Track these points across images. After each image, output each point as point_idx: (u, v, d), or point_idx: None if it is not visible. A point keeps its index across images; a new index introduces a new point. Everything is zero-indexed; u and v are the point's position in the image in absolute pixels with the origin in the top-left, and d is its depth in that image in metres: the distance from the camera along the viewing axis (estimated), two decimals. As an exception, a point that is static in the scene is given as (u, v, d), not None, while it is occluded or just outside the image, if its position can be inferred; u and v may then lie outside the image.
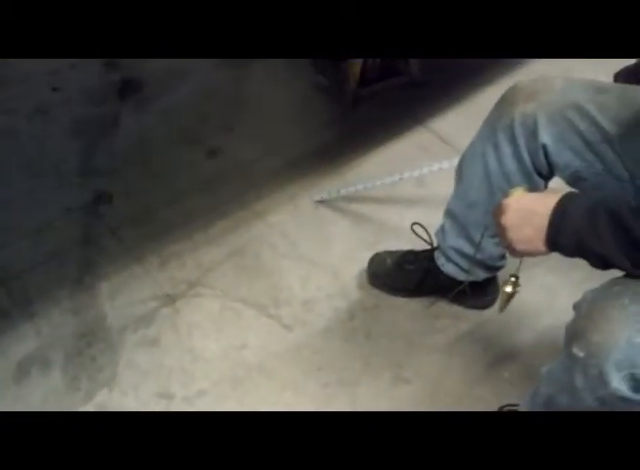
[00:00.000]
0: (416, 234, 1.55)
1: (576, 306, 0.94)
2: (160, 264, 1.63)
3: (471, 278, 1.42)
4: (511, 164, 1.21)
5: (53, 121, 2.00)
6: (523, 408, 1.17)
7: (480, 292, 1.50)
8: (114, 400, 1.37)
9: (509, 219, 0.95)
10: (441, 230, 1.44)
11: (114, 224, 1.71)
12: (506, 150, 1.20)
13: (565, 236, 0.89)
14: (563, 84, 1.15)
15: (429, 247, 1.53)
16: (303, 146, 1.95)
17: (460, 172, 1.33)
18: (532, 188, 1.16)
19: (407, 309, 1.54)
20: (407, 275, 1.53)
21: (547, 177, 1.22)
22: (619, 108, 1.09)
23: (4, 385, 1.39)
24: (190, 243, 1.68)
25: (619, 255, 0.86)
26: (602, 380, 0.87)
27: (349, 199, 1.78)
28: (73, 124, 1.99)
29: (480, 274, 1.44)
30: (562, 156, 1.15)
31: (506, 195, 0.99)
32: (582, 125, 1.11)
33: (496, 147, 1.22)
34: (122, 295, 1.56)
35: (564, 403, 0.98)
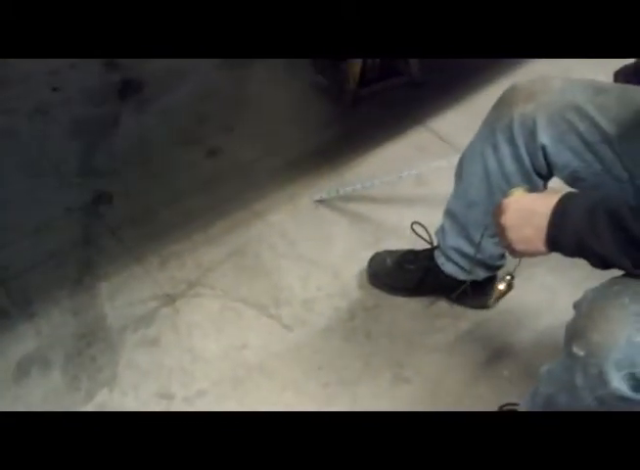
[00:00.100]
0: (416, 233, 1.55)
1: (577, 306, 0.94)
2: (160, 264, 1.63)
3: (471, 277, 1.42)
4: (510, 165, 1.21)
5: (53, 121, 2.00)
6: (522, 408, 1.17)
7: (479, 291, 1.49)
8: (114, 401, 1.37)
9: (509, 219, 0.95)
10: (441, 230, 1.44)
11: (113, 224, 1.71)
12: (505, 150, 1.20)
13: (565, 236, 0.89)
14: (561, 85, 1.15)
15: (429, 246, 1.53)
16: (303, 146, 1.95)
17: (459, 172, 1.34)
18: (532, 188, 1.16)
19: (407, 309, 1.55)
20: (407, 275, 1.53)
21: (546, 177, 1.22)
22: (619, 108, 1.08)
23: (4, 385, 1.39)
24: (190, 243, 1.68)
25: (619, 254, 0.86)
26: (602, 379, 0.87)
27: (349, 198, 1.78)
28: (73, 124, 2.00)
29: (481, 274, 1.44)
30: (561, 156, 1.15)
31: (506, 195, 0.99)
32: (582, 126, 1.11)
33: (495, 147, 1.22)
34: (122, 295, 1.56)
35: (563, 403, 0.98)
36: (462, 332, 1.51)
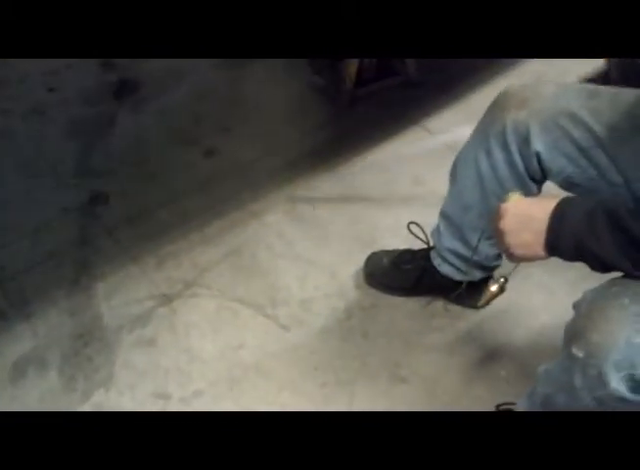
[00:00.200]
0: (412, 233, 1.55)
1: (576, 306, 0.94)
2: (157, 264, 1.63)
3: (467, 278, 1.42)
4: (503, 170, 1.21)
5: (49, 122, 2.00)
6: (519, 407, 1.17)
7: (476, 291, 1.50)
8: (110, 401, 1.37)
9: (507, 224, 0.94)
10: (437, 231, 1.44)
11: (110, 224, 1.71)
12: (498, 156, 1.20)
13: (563, 239, 0.89)
14: (554, 90, 1.14)
15: (425, 246, 1.53)
16: (300, 146, 1.95)
17: (454, 175, 1.34)
18: (526, 192, 1.16)
19: (404, 309, 1.55)
20: (404, 274, 1.53)
21: (540, 181, 1.22)
22: (612, 112, 1.08)
23: (0, 385, 1.39)
24: (186, 243, 1.68)
25: (619, 256, 0.86)
26: (601, 380, 0.87)
27: (346, 198, 1.78)
28: (70, 125, 1.99)
29: (477, 274, 1.44)
30: (555, 162, 1.14)
31: (503, 200, 0.98)
32: (576, 132, 1.10)
33: (488, 153, 1.21)
34: (119, 295, 1.56)
35: (561, 403, 0.98)
36: (459, 332, 1.51)
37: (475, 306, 1.53)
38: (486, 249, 1.36)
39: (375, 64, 2.06)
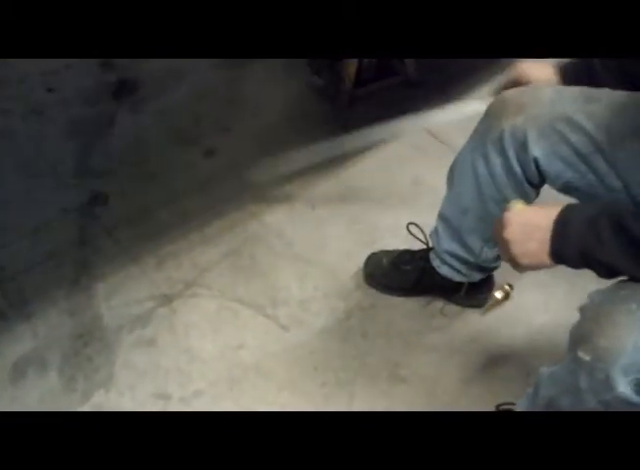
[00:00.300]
0: (412, 234, 1.55)
1: (582, 309, 0.93)
2: (157, 265, 1.63)
3: (466, 279, 1.42)
4: (501, 175, 1.21)
5: (49, 122, 2.00)
6: (519, 408, 1.17)
7: (475, 290, 1.50)
8: (110, 401, 1.37)
9: (511, 234, 0.93)
10: (435, 233, 1.44)
11: (110, 225, 1.71)
12: (496, 161, 1.20)
13: (568, 246, 0.89)
14: (551, 95, 1.14)
15: (425, 246, 1.53)
16: (300, 146, 1.95)
17: (451, 179, 1.34)
18: (524, 197, 1.16)
19: (404, 309, 1.55)
20: (403, 275, 1.54)
21: (538, 186, 1.22)
22: (610, 116, 1.07)
23: (0, 386, 1.39)
24: (186, 243, 1.68)
25: (624, 259, 0.86)
26: (608, 384, 0.86)
27: (346, 198, 1.78)
28: (69, 125, 1.99)
29: (476, 276, 1.44)
30: (553, 167, 1.14)
31: (505, 209, 0.97)
32: (574, 137, 1.10)
33: (486, 158, 1.21)
34: (119, 295, 1.56)
35: (566, 406, 0.97)
36: (459, 332, 1.51)
37: (473, 306, 1.53)
38: (486, 251, 1.36)
39: (374, 64, 2.06)
